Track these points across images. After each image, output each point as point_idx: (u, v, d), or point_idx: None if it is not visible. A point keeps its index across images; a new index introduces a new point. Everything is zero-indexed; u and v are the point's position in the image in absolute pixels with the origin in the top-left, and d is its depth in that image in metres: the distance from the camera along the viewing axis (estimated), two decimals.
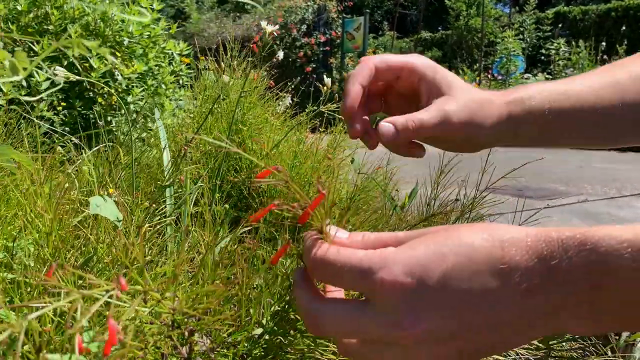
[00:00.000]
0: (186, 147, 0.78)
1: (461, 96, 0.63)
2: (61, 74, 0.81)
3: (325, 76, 0.89)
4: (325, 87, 0.87)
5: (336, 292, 0.52)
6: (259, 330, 0.60)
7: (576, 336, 1.01)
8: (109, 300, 0.40)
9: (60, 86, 2.16)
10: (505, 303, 0.40)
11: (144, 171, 1.26)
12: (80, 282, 0.66)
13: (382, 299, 0.42)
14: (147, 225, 0.70)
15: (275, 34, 1.01)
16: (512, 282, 0.39)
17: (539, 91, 0.65)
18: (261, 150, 1.20)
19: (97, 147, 0.94)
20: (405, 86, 0.68)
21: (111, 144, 2.02)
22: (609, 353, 1.07)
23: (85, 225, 0.74)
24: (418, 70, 0.65)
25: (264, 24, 1.00)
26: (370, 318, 0.42)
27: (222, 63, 1.33)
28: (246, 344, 0.60)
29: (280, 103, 2.02)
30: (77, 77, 0.78)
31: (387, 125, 0.61)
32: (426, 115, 0.61)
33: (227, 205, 1.05)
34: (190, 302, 0.47)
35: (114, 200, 0.91)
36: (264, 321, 0.68)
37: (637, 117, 0.65)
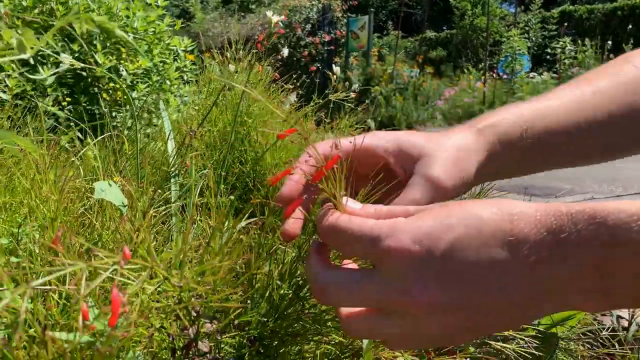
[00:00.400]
0: (192, 134, 0.78)
1: (439, 155, 0.56)
2: (66, 60, 0.80)
3: (334, 65, 0.88)
4: (334, 76, 0.86)
5: (351, 265, 0.52)
6: (265, 318, 0.60)
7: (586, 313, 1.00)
8: (112, 276, 0.40)
9: (66, 82, 2.16)
10: (513, 275, 0.40)
11: (148, 163, 1.26)
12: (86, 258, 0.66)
13: (389, 265, 0.42)
14: (152, 211, 0.69)
15: (280, 23, 1.01)
16: (520, 254, 0.39)
17: (513, 113, 0.60)
18: (266, 141, 1.20)
19: (102, 136, 0.94)
20: (366, 169, 0.60)
21: (115, 133, 2.02)
22: (617, 346, 1.06)
23: (90, 213, 0.74)
24: (378, 152, 0.58)
25: (269, 13, 0.99)
26: (377, 285, 0.43)
27: (228, 54, 1.33)
28: (255, 327, 0.60)
29: (285, 100, 2.01)
30: (83, 65, 0.78)
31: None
32: (417, 193, 0.54)
33: (232, 197, 1.05)
34: (198, 279, 0.46)
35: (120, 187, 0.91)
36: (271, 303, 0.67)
37: (599, 136, 0.62)
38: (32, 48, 0.43)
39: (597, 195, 3.47)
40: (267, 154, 1.13)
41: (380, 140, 0.59)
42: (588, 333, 1.07)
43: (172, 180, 1.03)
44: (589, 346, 1.09)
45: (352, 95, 0.83)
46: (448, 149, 0.56)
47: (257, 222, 0.83)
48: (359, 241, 0.44)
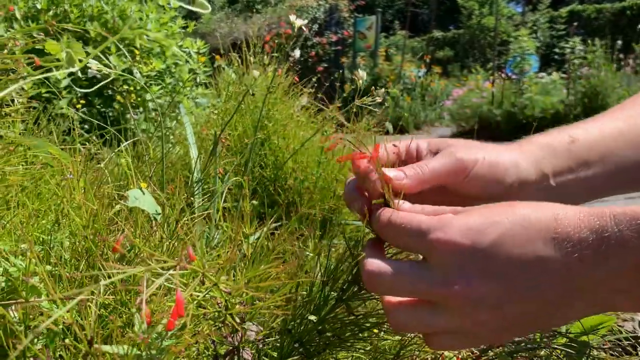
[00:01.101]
0: (223, 140, 0.77)
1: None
2: (94, 67, 0.80)
3: (360, 70, 0.88)
4: (359, 80, 0.86)
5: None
6: (313, 317, 0.59)
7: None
8: (170, 280, 0.39)
9: (80, 84, 2.16)
10: (556, 272, 0.41)
11: (169, 168, 1.25)
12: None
13: (437, 257, 0.44)
14: (184, 219, 0.69)
15: (304, 28, 1.00)
16: (564, 251, 0.41)
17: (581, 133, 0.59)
18: (287, 146, 1.19)
19: (128, 142, 0.94)
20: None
21: (138, 139, 2.02)
22: None
23: (119, 219, 0.74)
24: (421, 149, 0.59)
25: (292, 18, 0.99)
26: (422, 275, 0.45)
27: (249, 57, 1.33)
28: (301, 329, 0.60)
29: (297, 102, 2.01)
30: (109, 70, 0.78)
31: (394, 172, 0.55)
32: (437, 162, 0.55)
33: (255, 202, 1.04)
34: (246, 284, 0.46)
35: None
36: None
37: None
38: (80, 60, 0.42)
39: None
40: (289, 160, 1.13)
41: (428, 142, 0.59)
42: (612, 340, 1.06)
43: (196, 186, 1.03)
44: (612, 353, 1.08)
45: (378, 99, 0.83)
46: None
47: (288, 232, 0.83)
48: (410, 234, 0.46)
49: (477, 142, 0.59)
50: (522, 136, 0.65)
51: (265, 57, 1.37)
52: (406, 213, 0.49)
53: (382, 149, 0.58)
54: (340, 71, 10.47)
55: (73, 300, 0.38)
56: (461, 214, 0.47)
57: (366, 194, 0.55)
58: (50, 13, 2.17)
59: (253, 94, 1.06)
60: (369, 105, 0.81)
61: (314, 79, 1.60)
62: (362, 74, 0.86)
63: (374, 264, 0.48)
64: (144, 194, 0.63)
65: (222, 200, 1.15)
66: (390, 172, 0.53)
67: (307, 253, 0.88)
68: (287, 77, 1.37)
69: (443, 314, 0.45)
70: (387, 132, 1.68)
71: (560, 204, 0.45)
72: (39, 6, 2.17)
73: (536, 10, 12.94)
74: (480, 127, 8.21)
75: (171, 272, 0.40)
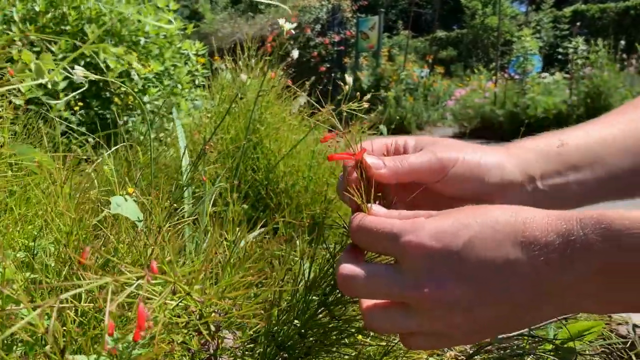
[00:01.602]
0: (207, 147, 0.78)
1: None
2: (80, 73, 0.80)
3: (346, 75, 0.88)
4: (346, 87, 0.86)
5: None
6: (296, 322, 0.59)
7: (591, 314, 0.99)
8: (136, 291, 0.39)
9: (77, 86, 2.17)
10: (526, 275, 0.42)
11: (162, 171, 1.26)
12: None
13: (408, 261, 0.45)
14: (167, 225, 0.69)
15: (292, 31, 1.00)
16: (531, 254, 0.42)
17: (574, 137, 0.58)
18: (279, 149, 1.19)
19: (115, 147, 0.94)
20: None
21: (129, 143, 2.03)
22: (634, 358, 1.05)
23: (105, 225, 0.74)
24: (408, 147, 0.60)
25: (281, 21, 0.98)
26: (395, 278, 0.46)
27: (240, 62, 1.33)
28: (283, 334, 0.60)
29: (294, 103, 2.01)
30: (96, 77, 0.78)
31: (374, 159, 0.56)
32: (419, 158, 0.55)
33: (245, 205, 1.04)
34: (219, 294, 0.46)
35: (134, 200, 0.91)
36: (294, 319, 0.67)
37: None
38: (49, 72, 0.43)
39: None
40: (280, 163, 1.13)
41: (414, 139, 0.60)
42: (604, 344, 1.05)
43: (186, 191, 1.03)
44: (605, 356, 1.07)
45: (365, 105, 0.82)
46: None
47: (278, 237, 0.83)
48: (383, 238, 0.47)
49: (464, 142, 0.59)
50: (525, 136, 0.64)
51: (259, 59, 1.37)
52: (379, 217, 0.50)
53: (369, 144, 0.60)
54: (341, 72, 10.47)
55: (47, 308, 0.39)
56: (434, 217, 0.47)
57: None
58: (49, 15, 2.18)
59: (242, 98, 1.06)
60: (355, 111, 0.81)
61: (309, 82, 1.60)
62: (349, 80, 0.86)
63: (347, 268, 0.49)
64: (126, 200, 0.63)
65: (214, 204, 1.15)
66: (370, 159, 0.55)
67: (294, 257, 0.88)
68: (281, 79, 1.37)
69: (415, 316, 0.46)
70: (381, 134, 1.67)
71: (531, 208, 0.45)
72: (37, 8, 2.18)
73: (540, 9, 12.90)
74: (482, 127, 8.20)
75: (140, 282, 0.40)
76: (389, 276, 0.46)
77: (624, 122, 0.60)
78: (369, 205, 0.54)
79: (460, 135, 8.42)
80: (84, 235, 0.68)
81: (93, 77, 0.83)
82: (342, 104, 0.84)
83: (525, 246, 0.42)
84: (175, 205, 1.00)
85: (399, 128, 9.04)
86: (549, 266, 0.41)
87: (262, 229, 1.06)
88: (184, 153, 1.06)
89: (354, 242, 0.52)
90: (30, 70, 0.47)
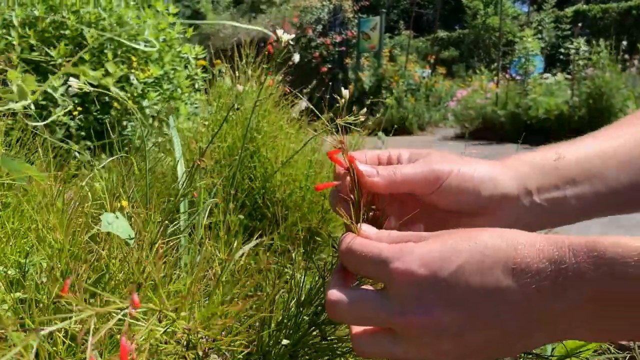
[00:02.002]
0: (199, 162, 0.77)
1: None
2: (75, 85, 0.80)
3: (342, 88, 0.87)
4: (342, 100, 0.85)
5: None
6: (286, 342, 0.59)
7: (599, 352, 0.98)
8: (122, 318, 0.39)
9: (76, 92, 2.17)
10: (517, 303, 0.42)
11: (159, 180, 1.25)
12: (93, 300, 0.65)
13: (395, 287, 0.44)
14: (160, 241, 0.68)
15: (290, 43, 1.00)
16: (522, 281, 0.41)
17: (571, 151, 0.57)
18: (276, 157, 1.19)
19: (108, 159, 0.93)
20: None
21: (126, 149, 2.03)
22: None
23: (98, 240, 0.73)
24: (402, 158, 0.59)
25: (280, 32, 0.98)
26: (383, 304, 0.45)
27: (237, 71, 1.32)
28: (274, 354, 0.59)
29: (295, 108, 2.00)
30: (91, 88, 0.78)
31: (367, 167, 0.55)
32: (413, 168, 0.55)
33: (241, 216, 1.04)
34: (206, 321, 0.45)
35: (128, 214, 0.91)
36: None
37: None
38: (33, 93, 0.42)
39: None
40: (277, 172, 1.12)
41: (406, 151, 0.59)
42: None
43: (182, 202, 1.02)
44: None
45: (362, 118, 0.82)
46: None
47: (272, 251, 0.82)
48: (371, 262, 0.47)
49: (459, 155, 0.58)
50: (527, 137, 0.63)
51: (257, 67, 1.36)
52: (368, 241, 0.50)
53: (362, 154, 0.59)
54: (342, 72, 10.45)
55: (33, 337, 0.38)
56: (422, 242, 0.47)
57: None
58: (48, 20, 2.18)
59: (238, 109, 1.06)
60: (351, 124, 0.80)
61: (310, 86, 1.60)
62: (345, 93, 0.85)
63: (334, 293, 0.48)
64: (117, 218, 0.63)
65: (210, 213, 1.15)
66: (363, 167, 0.54)
67: (287, 271, 0.88)
68: (279, 87, 1.37)
69: (401, 343, 0.46)
70: (379, 138, 1.67)
71: (522, 232, 0.45)
72: (36, 13, 2.17)
73: (541, 10, 12.88)
74: (484, 128, 8.18)
75: (125, 311, 0.39)
76: (376, 302, 0.46)
77: (625, 136, 0.59)
78: (359, 226, 0.53)
79: (461, 136, 8.41)
80: (75, 251, 0.68)
81: (87, 88, 0.83)
82: (339, 116, 0.84)
83: (517, 273, 0.42)
84: (172, 215, 0.99)
85: (401, 129, 9.04)
86: (541, 294, 0.41)
87: (259, 240, 1.06)
88: (178, 161, 1.06)
89: (342, 263, 0.52)
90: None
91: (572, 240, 0.41)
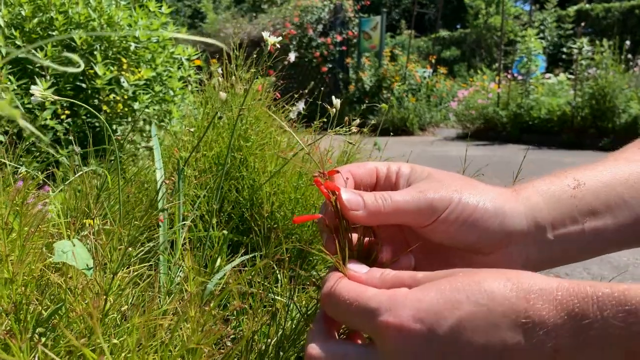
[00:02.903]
0: (166, 182, 0.70)
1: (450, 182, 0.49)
2: (37, 93, 0.73)
3: (333, 97, 0.80)
4: (333, 109, 0.78)
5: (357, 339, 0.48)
6: None
7: None
8: None
9: (66, 93, 2.10)
10: None
11: (141, 190, 1.18)
12: (44, 338, 0.58)
13: (387, 344, 0.38)
14: (123, 271, 0.61)
15: (277, 46, 0.93)
16: (535, 340, 0.34)
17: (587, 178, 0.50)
18: (264, 168, 1.12)
19: (74, 177, 0.86)
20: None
21: (103, 168, 1.96)
22: None
23: (58, 266, 0.66)
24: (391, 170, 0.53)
25: (265, 35, 0.91)
26: None
27: (226, 75, 1.25)
28: None
29: (293, 109, 1.93)
30: (55, 97, 0.71)
31: (353, 196, 0.47)
32: (405, 196, 0.48)
33: (225, 231, 0.97)
34: None
35: (97, 230, 0.84)
36: None
37: None
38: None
39: None
40: (265, 183, 1.06)
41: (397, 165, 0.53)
42: None
43: (161, 214, 0.95)
44: None
45: (354, 129, 0.75)
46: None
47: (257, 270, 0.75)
48: (356, 313, 0.40)
49: (463, 179, 0.50)
50: (529, 137, 0.55)
51: (240, 70, 1.29)
52: (354, 285, 0.42)
53: (358, 167, 0.52)
54: (343, 72, 10.39)
55: None
56: (417, 289, 0.39)
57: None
58: (35, 20, 2.11)
59: (220, 117, 0.99)
60: (341, 134, 0.73)
61: (307, 87, 1.53)
62: (336, 102, 0.78)
63: (314, 348, 0.42)
64: (74, 245, 0.56)
65: (194, 228, 1.08)
66: (346, 195, 0.47)
67: (273, 297, 0.81)
68: (269, 92, 1.30)
69: None
70: (375, 144, 1.60)
71: (538, 277, 0.37)
72: (23, 13, 2.10)
73: (543, 9, 12.78)
74: (485, 129, 8.12)
75: None
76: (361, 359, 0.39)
77: None
78: (350, 264, 0.46)
79: (463, 137, 8.33)
80: (28, 281, 0.60)
81: (52, 97, 0.75)
82: (331, 127, 0.77)
83: (529, 329, 0.34)
84: (149, 232, 0.92)
85: (402, 129, 8.96)
86: (558, 354, 0.34)
87: (244, 257, 0.99)
88: (158, 171, 0.99)
89: (323, 307, 0.45)
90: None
91: (597, 289, 0.34)
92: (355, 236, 0.50)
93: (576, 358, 0.33)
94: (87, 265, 0.56)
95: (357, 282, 0.43)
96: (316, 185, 0.48)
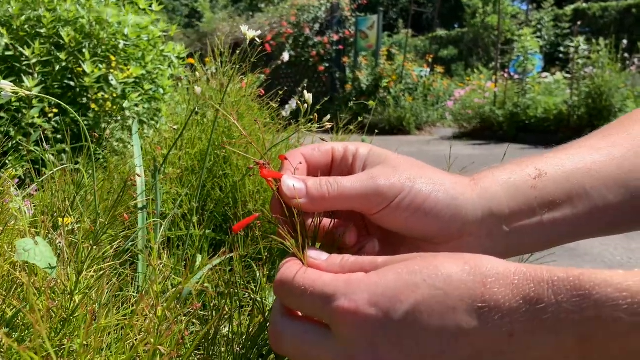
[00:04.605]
0: (131, 179, 0.69)
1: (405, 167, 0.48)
2: (8, 88, 0.71)
3: (305, 92, 0.79)
4: (305, 105, 0.77)
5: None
6: None
7: None
8: None
9: (54, 92, 2.08)
10: (482, 348, 0.34)
11: (124, 190, 1.16)
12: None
13: (342, 329, 0.37)
14: (92, 269, 0.60)
15: (257, 39, 0.91)
16: (490, 324, 0.34)
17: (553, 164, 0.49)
18: (246, 167, 1.10)
19: (50, 172, 0.85)
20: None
21: (105, 153, 1.94)
22: None
23: (27, 266, 0.65)
24: (349, 151, 0.51)
25: (244, 28, 0.90)
26: (327, 347, 0.39)
27: (209, 75, 1.24)
28: None
29: (286, 107, 1.91)
30: (27, 93, 0.69)
31: (295, 182, 0.46)
32: (352, 182, 0.46)
33: (207, 230, 0.95)
34: None
35: (71, 228, 0.82)
36: None
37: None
38: None
39: None
40: (248, 181, 1.04)
41: (356, 146, 0.51)
42: None
43: (140, 214, 0.94)
44: None
45: (327, 125, 0.73)
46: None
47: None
48: (311, 297, 0.39)
49: (420, 165, 0.49)
50: (523, 136, 0.54)
51: (226, 67, 1.28)
52: (311, 271, 0.41)
53: (313, 149, 0.51)
54: (340, 71, 10.37)
55: None
56: (374, 273, 0.38)
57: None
58: (23, 18, 2.09)
59: (197, 113, 0.97)
60: (313, 131, 0.71)
61: (302, 85, 1.51)
62: (308, 97, 0.77)
63: (277, 324, 0.42)
64: (36, 244, 0.54)
65: (175, 227, 1.06)
66: (289, 182, 0.45)
67: (251, 296, 0.79)
68: (253, 89, 1.28)
69: None
70: (363, 141, 1.58)
71: (496, 261, 0.37)
72: (11, 10, 2.08)
73: (540, 8, 12.78)
74: (482, 128, 8.11)
75: None
76: (320, 342, 0.39)
77: (616, 144, 0.50)
78: (309, 252, 0.44)
79: (459, 136, 8.32)
80: None
81: (23, 92, 0.74)
82: (302, 117, 0.76)
83: (484, 313, 0.34)
84: (127, 230, 0.91)
85: (398, 128, 8.95)
86: (512, 338, 0.33)
87: (225, 257, 0.97)
88: (139, 170, 0.98)
89: (276, 295, 0.43)
90: None
91: (554, 273, 0.34)
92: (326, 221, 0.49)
93: (530, 342, 0.33)
94: (50, 264, 0.54)
95: (318, 270, 0.42)
96: (260, 174, 0.46)
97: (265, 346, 0.60)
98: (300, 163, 0.49)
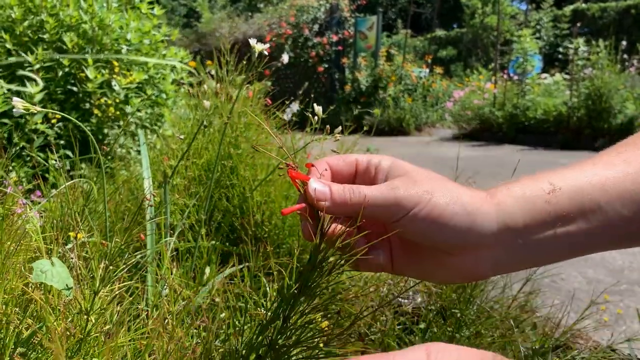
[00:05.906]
0: (147, 198, 0.69)
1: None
2: (20, 105, 0.71)
3: (315, 105, 0.79)
4: (315, 117, 0.77)
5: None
6: None
7: None
8: None
9: (56, 97, 2.08)
10: None
11: (130, 199, 1.16)
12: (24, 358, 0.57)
13: None
14: (105, 290, 0.60)
15: (266, 52, 0.92)
16: None
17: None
18: (254, 176, 1.10)
19: (53, 193, 0.85)
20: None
21: (109, 158, 1.93)
22: None
23: (40, 284, 0.65)
24: (372, 161, 0.53)
25: (252, 42, 0.90)
26: None
27: (214, 81, 1.24)
28: None
29: (287, 110, 1.92)
30: (38, 109, 0.69)
31: (320, 186, 0.47)
32: (375, 192, 0.48)
33: (213, 241, 0.96)
34: None
35: (83, 242, 0.82)
36: None
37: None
38: None
39: None
40: (255, 192, 1.04)
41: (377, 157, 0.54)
42: None
43: (148, 226, 0.94)
44: None
45: (337, 137, 0.74)
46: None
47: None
48: None
49: (440, 179, 0.50)
50: (522, 138, 0.55)
51: (232, 76, 1.28)
52: None
53: (339, 160, 0.53)
54: (339, 72, 10.37)
55: None
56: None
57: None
58: (26, 23, 2.09)
59: (206, 127, 0.98)
60: (321, 140, 0.72)
61: (302, 87, 1.52)
62: (317, 110, 0.77)
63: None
64: (53, 265, 0.55)
65: (183, 238, 1.06)
66: (314, 186, 0.47)
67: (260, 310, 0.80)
68: (260, 99, 1.28)
69: None
70: (368, 150, 1.58)
71: (453, 348, 0.40)
72: (14, 16, 2.08)
73: (540, 9, 12.79)
74: (481, 129, 8.11)
75: None
76: None
77: (629, 160, 0.51)
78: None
79: (459, 137, 8.33)
80: (8, 299, 0.59)
81: (34, 109, 0.74)
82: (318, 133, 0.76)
83: None
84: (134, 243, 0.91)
85: (398, 129, 8.95)
86: None
87: (232, 269, 0.97)
88: (146, 182, 0.98)
89: None
90: None
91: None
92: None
93: None
94: (67, 285, 0.54)
95: None
96: (288, 175, 0.48)
97: None
98: (326, 170, 0.51)
